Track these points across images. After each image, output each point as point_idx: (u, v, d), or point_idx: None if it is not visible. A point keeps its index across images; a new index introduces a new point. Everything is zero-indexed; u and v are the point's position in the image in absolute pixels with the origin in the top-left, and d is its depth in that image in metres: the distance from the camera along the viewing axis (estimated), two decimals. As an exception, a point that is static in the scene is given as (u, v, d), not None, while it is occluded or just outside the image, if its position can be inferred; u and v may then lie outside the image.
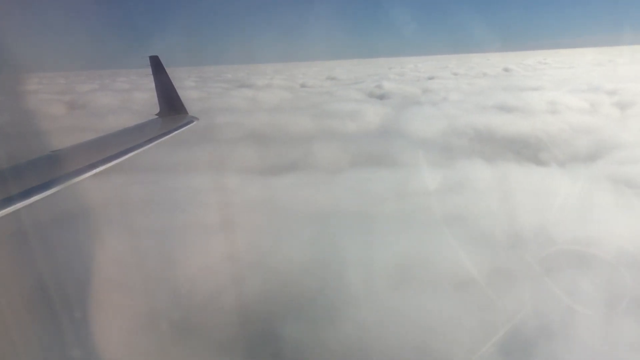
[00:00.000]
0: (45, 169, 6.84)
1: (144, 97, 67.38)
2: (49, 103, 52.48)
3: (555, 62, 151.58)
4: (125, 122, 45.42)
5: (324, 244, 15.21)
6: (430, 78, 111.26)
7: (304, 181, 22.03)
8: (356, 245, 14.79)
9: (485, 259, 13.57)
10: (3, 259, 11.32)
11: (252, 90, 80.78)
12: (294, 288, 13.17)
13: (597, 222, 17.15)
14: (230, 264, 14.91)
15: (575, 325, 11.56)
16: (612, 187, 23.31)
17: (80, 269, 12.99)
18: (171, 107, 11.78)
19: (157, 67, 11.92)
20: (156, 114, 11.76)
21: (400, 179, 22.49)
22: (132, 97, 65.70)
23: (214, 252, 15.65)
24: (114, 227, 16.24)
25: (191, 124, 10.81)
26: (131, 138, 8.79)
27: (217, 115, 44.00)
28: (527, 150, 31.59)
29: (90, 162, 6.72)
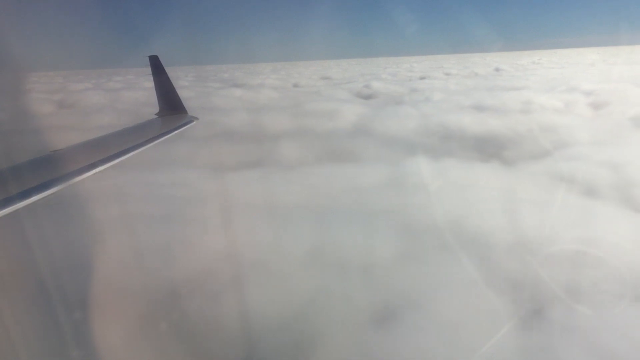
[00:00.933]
0: (45, 168, 6.84)
1: (132, 96, 69.32)
2: (38, 102, 54.30)
3: (549, 62, 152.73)
4: (109, 120, 47.22)
5: (255, 232, 16.81)
6: (422, 78, 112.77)
7: (252, 177, 23.57)
8: (282, 235, 16.37)
9: (392, 247, 15.11)
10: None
11: (242, 90, 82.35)
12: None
13: (514, 215, 18.67)
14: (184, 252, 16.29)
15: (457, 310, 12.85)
16: (546, 182, 24.86)
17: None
18: (171, 107, 11.82)
19: (157, 67, 11.93)
20: (156, 114, 11.78)
21: (347, 174, 24.09)
22: (121, 96, 67.49)
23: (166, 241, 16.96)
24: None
25: (191, 124, 10.83)
26: (131, 138, 8.81)
27: (197, 115, 45.53)
28: (483, 148, 33.15)
29: (90, 162, 6.82)
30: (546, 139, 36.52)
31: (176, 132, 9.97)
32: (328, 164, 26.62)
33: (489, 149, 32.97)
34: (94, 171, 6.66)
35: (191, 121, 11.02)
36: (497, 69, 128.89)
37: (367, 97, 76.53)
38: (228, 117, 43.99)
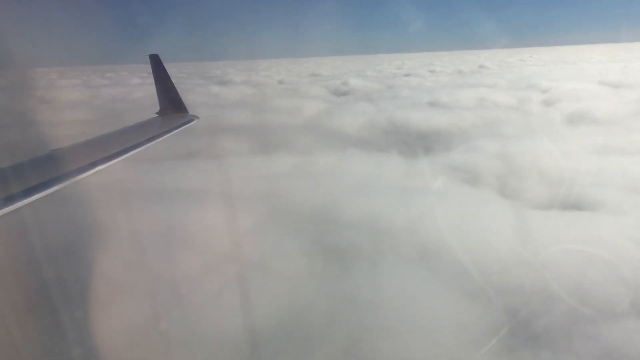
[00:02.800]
0: (45, 167, 6.84)
1: (111, 93, 72.83)
2: (17, 98, 57.53)
3: (536, 60, 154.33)
4: (80, 116, 50.13)
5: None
6: (406, 75, 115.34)
7: (168, 167, 26.59)
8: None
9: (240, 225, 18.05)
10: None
11: (221, 87, 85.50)
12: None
13: (373, 199, 21.63)
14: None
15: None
16: (435, 171, 27.84)
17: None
18: (171, 105, 11.95)
19: (157, 65, 12.05)
20: (156, 113, 11.94)
21: (254, 164, 27.26)
22: (101, 93, 70.97)
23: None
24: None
25: (191, 123, 10.94)
26: (131, 137, 8.95)
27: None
28: (404, 141, 36.14)
29: (91, 161, 6.89)
30: (470, 132, 39.46)
31: (176, 130, 10.05)
32: (246, 156, 29.73)
33: (409, 142, 35.95)
34: (94, 170, 6.75)
35: (191, 120, 11.15)
36: (481, 67, 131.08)
37: (342, 93, 79.32)
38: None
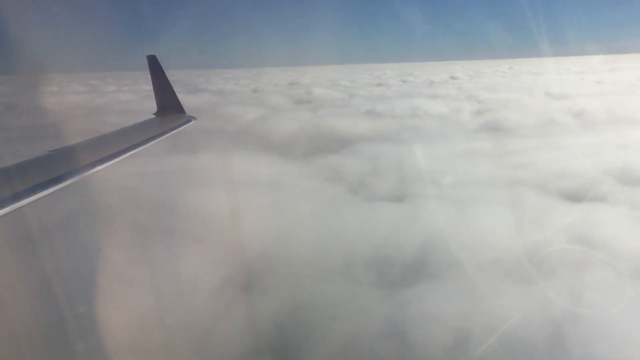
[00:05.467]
0: (43, 168, 6.91)
1: (76, 100, 77.19)
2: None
3: (510, 71, 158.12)
4: (33, 121, 53.98)
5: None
6: (378, 85, 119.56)
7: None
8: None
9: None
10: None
11: (187, 95, 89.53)
12: None
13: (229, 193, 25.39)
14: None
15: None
16: (309, 172, 31.69)
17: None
18: (168, 106, 12.06)
19: (155, 66, 12.07)
20: (153, 114, 11.98)
21: (149, 163, 31.19)
22: (67, 99, 75.37)
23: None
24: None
25: (189, 123, 11.04)
26: (129, 137, 9.00)
27: (108, 116, 52.92)
28: (306, 145, 40.01)
29: (89, 162, 6.96)
30: (373, 138, 43.33)
31: (174, 131, 10.14)
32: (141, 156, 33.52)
33: (310, 145, 39.82)
34: (92, 171, 6.80)
35: (189, 121, 11.26)
36: (452, 77, 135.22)
37: (302, 102, 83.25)
38: (126, 118, 51.10)
